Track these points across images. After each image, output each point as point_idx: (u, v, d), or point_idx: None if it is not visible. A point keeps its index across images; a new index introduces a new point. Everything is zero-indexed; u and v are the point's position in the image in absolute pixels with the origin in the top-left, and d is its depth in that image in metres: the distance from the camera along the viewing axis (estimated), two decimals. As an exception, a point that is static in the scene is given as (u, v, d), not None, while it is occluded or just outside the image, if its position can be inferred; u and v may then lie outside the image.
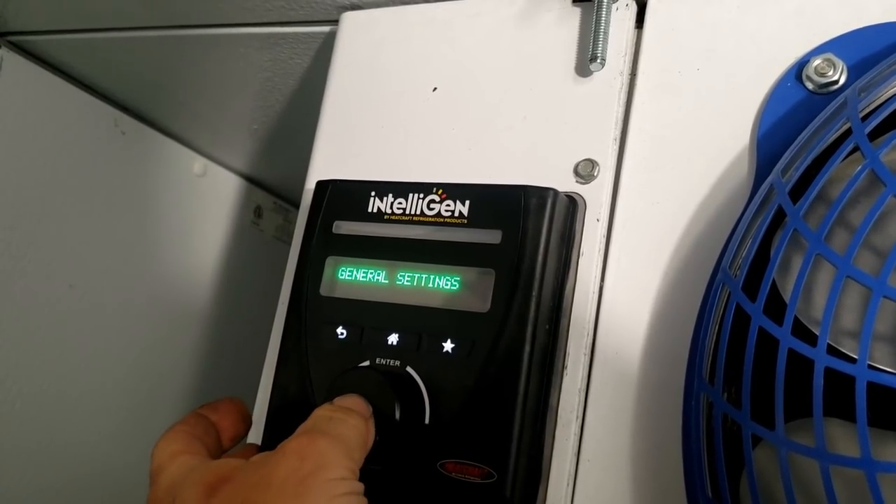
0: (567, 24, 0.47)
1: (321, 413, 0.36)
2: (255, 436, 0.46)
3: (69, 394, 0.81)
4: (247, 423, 0.42)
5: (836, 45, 0.39)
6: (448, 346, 0.40)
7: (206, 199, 0.99)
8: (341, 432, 0.34)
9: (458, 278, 0.41)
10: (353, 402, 0.37)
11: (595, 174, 0.43)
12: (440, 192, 0.42)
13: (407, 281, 0.42)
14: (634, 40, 0.45)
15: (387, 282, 0.42)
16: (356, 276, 0.43)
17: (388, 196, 0.43)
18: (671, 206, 0.41)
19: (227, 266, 1.02)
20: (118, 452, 0.87)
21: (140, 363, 0.90)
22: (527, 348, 0.38)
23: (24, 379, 0.75)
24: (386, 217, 0.43)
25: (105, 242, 0.84)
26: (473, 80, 0.48)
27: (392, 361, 0.40)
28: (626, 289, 0.41)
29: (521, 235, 0.40)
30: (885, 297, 0.29)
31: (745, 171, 0.40)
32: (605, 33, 0.44)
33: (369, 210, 0.44)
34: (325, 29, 0.58)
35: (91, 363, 0.83)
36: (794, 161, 0.35)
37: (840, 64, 0.39)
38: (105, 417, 0.85)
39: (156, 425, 0.91)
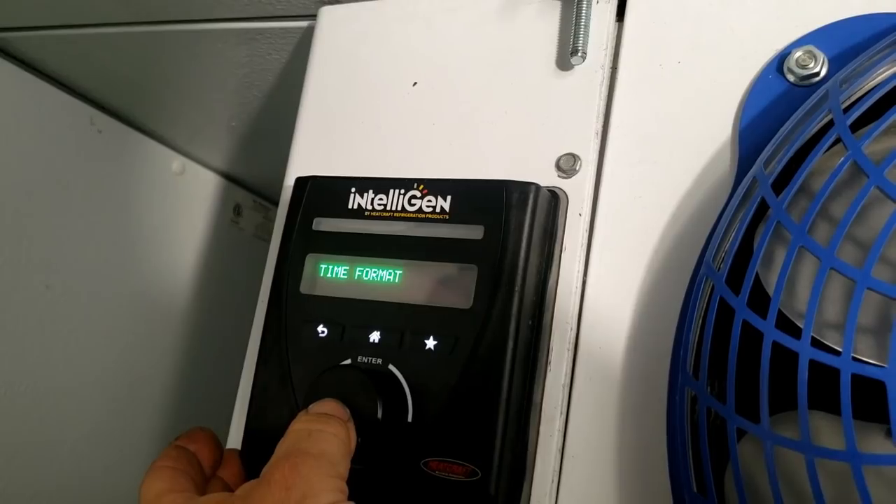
0: (547, 18, 0.46)
1: (299, 427, 0.35)
2: (235, 436, 0.46)
3: (47, 395, 0.79)
4: (220, 448, 0.41)
5: (817, 37, 0.39)
6: (430, 343, 0.39)
7: (185, 198, 0.98)
8: (323, 448, 0.34)
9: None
10: (330, 407, 0.37)
11: (577, 168, 0.42)
12: (421, 187, 0.42)
13: (388, 278, 0.41)
14: (615, 34, 0.45)
15: (368, 279, 0.42)
16: (337, 274, 0.43)
17: (368, 192, 0.43)
18: (653, 200, 0.41)
19: (206, 265, 1.01)
20: (97, 453, 0.86)
21: (119, 363, 0.89)
22: (510, 344, 0.38)
23: (0, 381, 0.74)
24: (367, 213, 0.43)
25: (82, 242, 0.83)
26: (454, 74, 0.48)
27: (374, 359, 0.40)
28: (609, 283, 0.41)
29: (503, 231, 0.39)
30: (868, 288, 0.29)
31: (727, 164, 0.40)
32: (586, 27, 0.44)
33: (350, 206, 0.43)
34: (304, 24, 0.57)
35: (69, 364, 0.82)
36: (777, 153, 0.35)
37: (821, 56, 0.39)
38: (84, 418, 0.84)
39: (135, 426, 0.91)
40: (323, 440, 0.34)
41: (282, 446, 0.34)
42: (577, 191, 0.42)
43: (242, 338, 0.49)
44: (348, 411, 0.37)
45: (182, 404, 0.98)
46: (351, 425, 0.37)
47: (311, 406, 0.37)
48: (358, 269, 0.42)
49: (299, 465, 0.32)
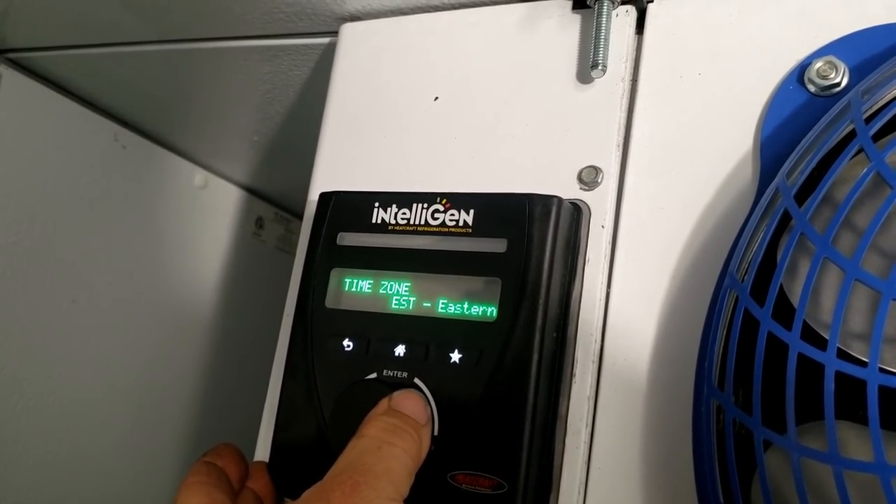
0: (567, 31, 0.47)
1: (373, 434, 0.35)
2: (263, 449, 0.46)
3: (73, 408, 0.81)
4: (245, 463, 0.42)
5: (837, 47, 0.39)
6: (455, 356, 0.39)
7: (207, 211, 0.99)
8: (390, 466, 0.34)
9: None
10: (412, 407, 0.37)
11: (599, 181, 0.43)
12: (444, 201, 0.42)
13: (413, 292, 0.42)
14: (635, 46, 0.45)
15: (393, 293, 0.42)
16: (362, 288, 0.43)
17: (391, 207, 0.43)
18: (676, 211, 0.41)
19: (229, 277, 1.02)
20: (123, 465, 0.87)
21: (143, 376, 0.90)
22: (535, 356, 0.38)
23: (28, 394, 0.75)
24: (390, 228, 0.43)
25: (107, 256, 0.84)
26: (474, 88, 0.48)
27: (399, 373, 0.40)
28: (632, 295, 0.41)
29: (526, 243, 0.39)
30: (894, 299, 0.29)
31: (749, 175, 0.40)
32: (606, 39, 0.44)
33: (373, 221, 0.44)
34: (325, 40, 0.58)
35: (94, 377, 0.83)
36: (799, 164, 0.35)
37: (842, 66, 0.39)
38: (109, 430, 0.85)
39: (160, 438, 0.92)
40: (391, 457, 0.34)
41: (349, 454, 0.34)
42: (599, 203, 0.43)
43: (265, 349, 0.49)
44: (430, 410, 0.37)
45: (206, 416, 0.99)
46: (427, 430, 0.37)
47: (395, 395, 0.37)
48: (382, 283, 0.43)
49: (361, 486, 0.32)
